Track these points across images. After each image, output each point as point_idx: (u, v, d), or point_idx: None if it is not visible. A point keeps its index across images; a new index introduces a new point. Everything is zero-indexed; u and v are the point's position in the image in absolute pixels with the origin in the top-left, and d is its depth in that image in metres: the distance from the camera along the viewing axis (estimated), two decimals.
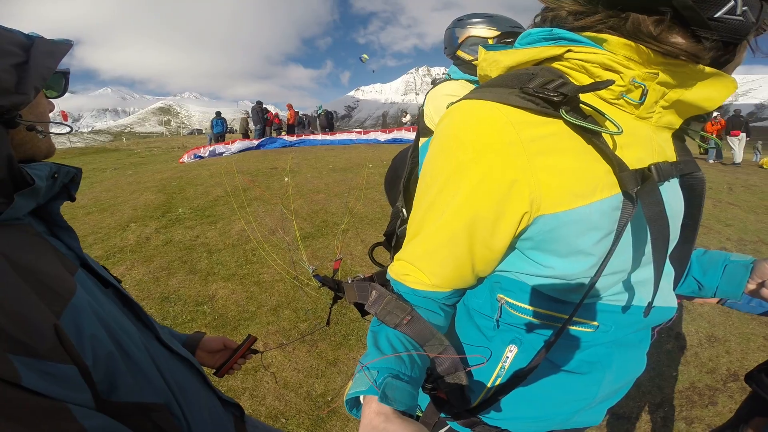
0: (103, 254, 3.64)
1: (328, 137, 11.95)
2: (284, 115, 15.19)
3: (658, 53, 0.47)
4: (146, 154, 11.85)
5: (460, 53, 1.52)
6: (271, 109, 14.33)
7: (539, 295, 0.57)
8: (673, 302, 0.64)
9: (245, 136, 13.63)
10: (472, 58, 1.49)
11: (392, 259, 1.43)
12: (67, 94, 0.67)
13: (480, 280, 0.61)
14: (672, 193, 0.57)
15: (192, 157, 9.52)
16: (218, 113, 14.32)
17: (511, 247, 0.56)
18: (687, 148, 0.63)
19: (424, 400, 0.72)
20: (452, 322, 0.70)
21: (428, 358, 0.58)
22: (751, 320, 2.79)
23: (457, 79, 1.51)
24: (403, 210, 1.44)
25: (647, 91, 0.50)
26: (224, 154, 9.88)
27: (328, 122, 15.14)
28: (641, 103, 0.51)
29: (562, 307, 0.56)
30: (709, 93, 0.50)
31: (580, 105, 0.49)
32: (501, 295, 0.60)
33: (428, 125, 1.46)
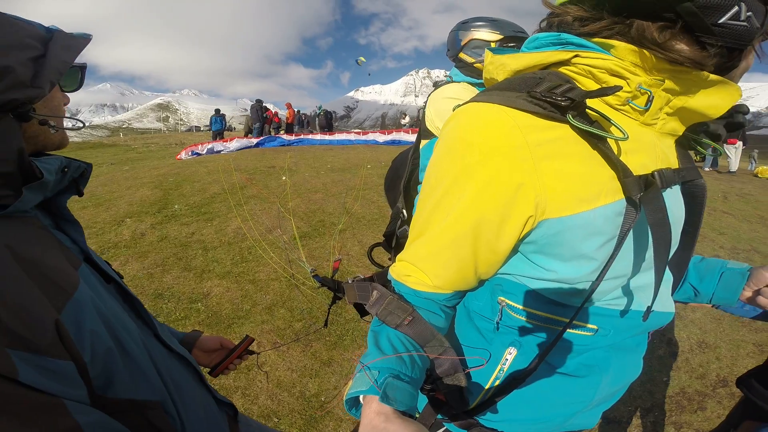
0: (97, 249, 3.61)
1: (327, 137, 11.94)
2: (283, 114, 15.17)
3: (663, 60, 0.47)
4: (143, 150, 11.78)
5: (462, 56, 1.53)
6: (271, 107, 14.30)
7: (540, 299, 0.57)
8: (671, 307, 0.64)
9: (249, 134, 13.59)
10: (474, 60, 1.50)
11: (393, 259, 1.43)
12: None
13: (481, 283, 0.62)
14: (674, 200, 0.57)
15: (189, 153, 9.47)
16: (217, 110, 14.28)
17: (514, 250, 0.57)
18: (689, 155, 0.63)
19: (421, 401, 0.72)
20: (452, 323, 0.70)
21: (428, 359, 0.58)
22: (741, 327, 2.82)
23: (459, 82, 1.52)
24: (404, 211, 1.45)
25: (653, 97, 0.50)
26: (222, 152, 9.85)
27: (327, 122, 15.13)
28: (646, 110, 0.51)
29: (562, 311, 0.57)
30: (713, 100, 0.50)
31: (586, 110, 0.49)
32: (502, 298, 0.60)
33: (429, 128, 1.46)
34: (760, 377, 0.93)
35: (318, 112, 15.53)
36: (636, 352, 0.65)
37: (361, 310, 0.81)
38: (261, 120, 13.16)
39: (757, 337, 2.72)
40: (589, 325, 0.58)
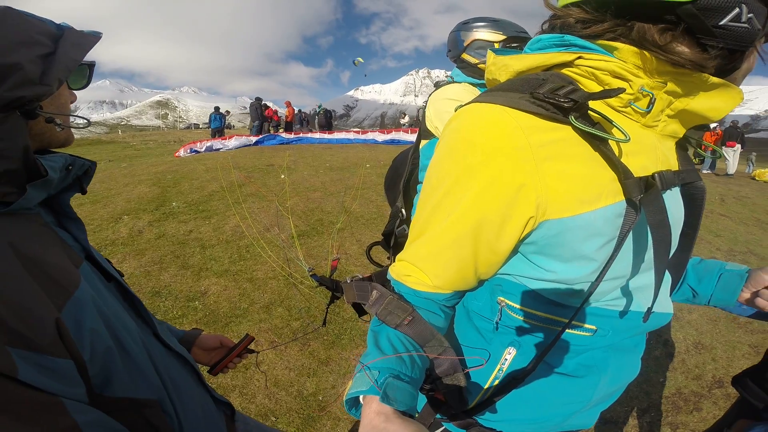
0: (95, 246, 3.57)
1: (326, 136, 11.93)
2: (283, 112, 15.15)
3: (665, 62, 0.47)
4: (142, 147, 11.73)
5: (465, 56, 1.53)
6: (271, 105, 14.30)
7: (539, 299, 0.57)
8: (670, 308, 0.65)
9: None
10: (477, 61, 1.49)
11: (391, 259, 1.43)
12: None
13: (481, 283, 0.62)
14: (673, 202, 0.57)
15: (188, 151, 9.44)
16: (217, 108, 14.24)
17: (515, 251, 0.57)
18: (689, 157, 0.64)
19: (420, 401, 0.72)
20: (451, 323, 0.70)
21: (428, 358, 0.58)
22: (737, 328, 2.83)
23: (460, 83, 1.52)
24: (403, 210, 1.45)
25: (655, 99, 0.50)
26: (221, 150, 9.82)
27: (327, 121, 15.12)
28: (648, 112, 0.52)
29: (561, 311, 0.57)
30: (715, 103, 0.50)
31: (588, 112, 0.49)
32: (501, 298, 0.60)
33: (429, 128, 1.46)
34: (754, 377, 0.94)
35: (318, 110, 15.51)
36: (634, 352, 0.66)
37: (359, 310, 0.81)
38: (260, 118, 13.14)
39: (752, 338, 2.73)
40: (588, 326, 0.58)
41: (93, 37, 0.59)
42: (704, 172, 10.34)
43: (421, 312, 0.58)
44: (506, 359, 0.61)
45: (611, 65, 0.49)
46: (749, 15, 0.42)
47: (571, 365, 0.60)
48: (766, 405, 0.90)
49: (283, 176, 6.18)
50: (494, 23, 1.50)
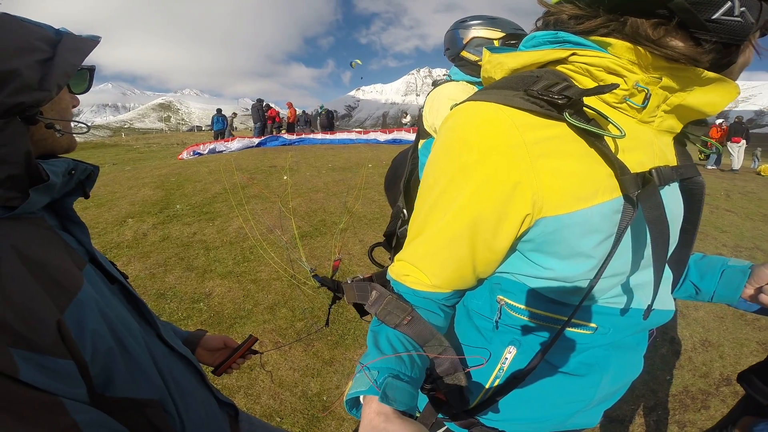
0: (100, 249, 3.59)
1: (328, 136, 11.95)
2: (284, 113, 15.21)
3: (659, 57, 0.47)
4: (145, 150, 11.81)
5: (465, 54, 1.52)
6: (273, 106, 14.35)
7: (539, 297, 0.57)
8: (671, 305, 0.64)
9: (230, 134, 13.69)
10: (477, 58, 1.49)
11: (392, 259, 1.43)
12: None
13: (480, 282, 0.62)
14: (672, 197, 0.57)
15: (191, 153, 9.49)
16: (219, 110, 14.33)
17: (512, 249, 0.57)
18: (687, 152, 0.63)
19: (422, 400, 0.72)
20: (451, 323, 0.70)
21: (428, 358, 0.58)
22: (745, 325, 2.81)
23: (458, 81, 1.52)
24: (404, 210, 1.44)
25: (650, 95, 0.50)
26: (224, 152, 9.86)
27: (329, 121, 15.15)
28: (644, 107, 0.51)
29: (561, 309, 0.57)
30: (711, 98, 0.50)
31: (583, 108, 0.49)
32: (501, 297, 0.60)
33: (426, 128, 1.46)
34: (760, 373, 0.93)
35: (319, 111, 15.56)
36: (636, 350, 0.65)
37: (361, 310, 0.81)
38: (262, 119, 13.18)
39: (760, 335, 2.71)
40: (589, 324, 0.58)
41: (91, 42, 0.59)
42: (709, 167, 10.25)
43: (421, 312, 0.58)
44: (507, 358, 0.61)
45: (605, 61, 0.49)
46: (742, 9, 0.42)
47: (572, 364, 0.60)
48: None
49: (285, 177, 6.20)
50: (492, 21, 1.50)
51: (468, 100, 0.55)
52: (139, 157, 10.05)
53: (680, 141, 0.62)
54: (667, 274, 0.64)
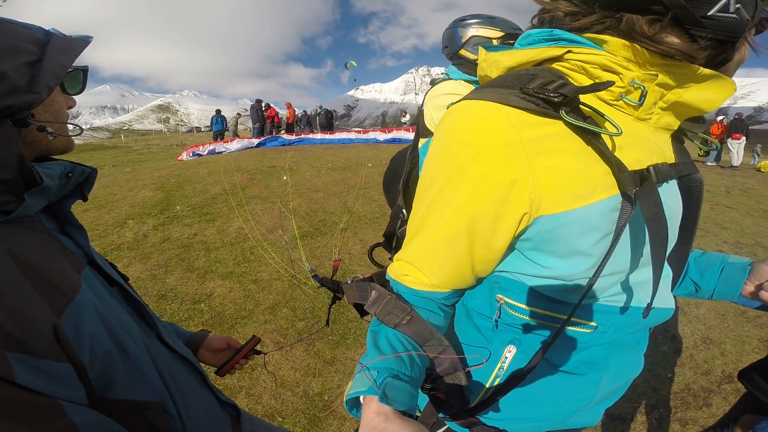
0: (100, 251, 3.60)
1: (327, 136, 11.95)
2: (283, 113, 15.21)
3: (655, 54, 0.47)
4: (144, 152, 11.82)
5: (463, 52, 1.52)
6: (272, 106, 14.35)
7: (538, 296, 0.57)
8: (671, 303, 0.64)
9: (235, 135, 13.73)
10: (476, 57, 1.49)
11: (392, 259, 1.42)
12: None
13: (479, 281, 0.62)
14: (670, 195, 0.57)
15: (191, 154, 9.50)
16: (218, 111, 14.33)
17: (511, 248, 0.56)
18: (685, 149, 0.63)
19: (422, 400, 0.72)
20: (451, 322, 0.70)
21: (428, 358, 0.58)
22: (746, 322, 2.80)
23: (456, 80, 1.51)
24: (404, 210, 1.44)
25: (646, 92, 0.50)
26: (223, 153, 9.86)
27: (328, 121, 15.15)
28: (640, 105, 0.51)
29: (560, 308, 0.57)
30: (707, 94, 0.50)
31: (580, 106, 0.49)
32: (500, 296, 0.60)
33: (428, 125, 1.45)
34: (762, 371, 0.92)
35: (318, 111, 15.57)
36: (636, 348, 0.65)
37: (361, 310, 0.81)
38: (261, 120, 13.17)
39: (762, 332, 2.70)
40: (589, 322, 0.58)
41: (82, 42, 0.58)
42: (709, 164, 10.25)
43: (420, 311, 0.58)
44: (507, 357, 0.61)
45: (601, 58, 0.49)
46: (737, 5, 0.42)
47: (572, 362, 0.60)
48: None
49: (285, 177, 6.20)
50: (491, 20, 1.50)
51: (464, 98, 0.55)
52: (139, 158, 10.05)
53: (678, 138, 0.62)
54: (667, 272, 0.64)
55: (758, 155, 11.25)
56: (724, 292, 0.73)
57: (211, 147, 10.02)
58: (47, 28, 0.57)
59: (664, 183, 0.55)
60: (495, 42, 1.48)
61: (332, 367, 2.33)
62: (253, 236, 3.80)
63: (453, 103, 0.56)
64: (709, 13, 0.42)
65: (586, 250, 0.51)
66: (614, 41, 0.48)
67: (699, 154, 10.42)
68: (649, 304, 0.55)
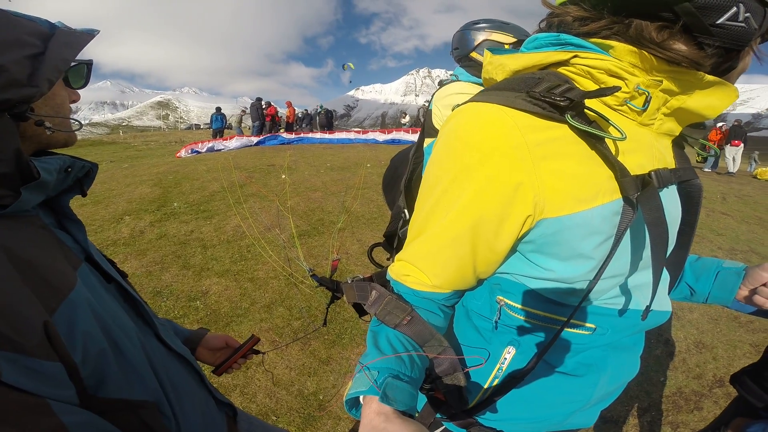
0: (96, 247, 3.59)
1: (327, 136, 11.94)
2: (283, 112, 15.18)
3: (662, 60, 0.48)
4: (143, 148, 11.76)
5: (474, 55, 1.52)
6: (272, 104, 14.32)
7: (538, 298, 0.58)
8: (668, 306, 0.65)
9: (240, 131, 13.72)
10: None
11: (392, 260, 1.42)
12: None
13: (480, 282, 0.62)
14: (670, 200, 0.58)
15: (189, 151, 9.46)
16: (218, 108, 14.29)
17: (513, 250, 0.57)
18: (686, 155, 0.64)
19: (420, 400, 0.72)
20: (450, 323, 0.70)
21: (427, 358, 0.58)
22: (738, 327, 2.83)
23: (464, 82, 1.52)
24: (405, 210, 1.44)
25: (651, 98, 0.50)
26: (222, 150, 9.84)
27: (328, 121, 15.14)
28: (644, 110, 0.52)
29: (560, 310, 0.57)
30: (710, 101, 0.50)
31: (585, 110, 0.49)
32: (500, 297, 0.61)
33: (436, 125, 1.45)
34: (753, 375, 0.94)
35: (318, 110, 15.56)
36: (633, 351, 0.66)
37: (360, 310, 0.81)
38: (260, 118, 13.14)
39: (753, 337, 2.73)
40: (587, 324, 0.58)
41: (86, 35, 0.58)
42: (706, 170, 10.31)
43: (420, 312, 0.59)
44: (506, 358, 0.62)
45: (607, 64, 0.49)
46: (746, 14, 0.42)
47: (570, 364, 0.60)
48: (765, 404, 0.90)
49: (284, 176, 6.19)
50: (504, 26, 1.51)
51: (470, 100, 0.55)
52: (137, 154, 10.00)
53: (678, 144, 0.62)
54: (665, 275, 0.64)
55: (756, 162, 11.33)
56: (719, 296, 0.74)
57: (210, 144, 9.99)
58: (54, 21, 0.56)
59: (665, 188, 0.55)
60: (507, 48, 1.49)
61: (327, 367, 2.33)
62: (251, 234, 3.80)
63: (458, 105, 0.56)
64: (718, 22, 0.43)
65: (588, 253, 0.52)
66: (621, 47, 0.49)
67: (697, 161, 10.49)
68: (648, 307, 0.56)
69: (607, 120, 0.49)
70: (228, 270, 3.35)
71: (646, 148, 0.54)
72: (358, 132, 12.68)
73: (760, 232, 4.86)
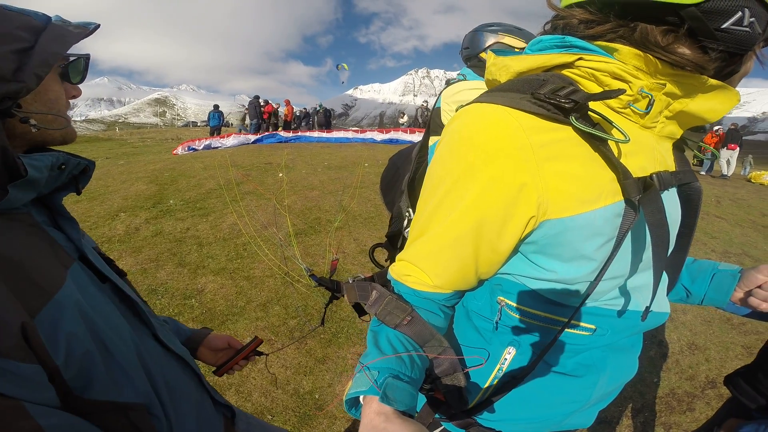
0: None
1: (325, 135, 11.92)
2: (281, 110, 15.12)
3: (666, 64, 0.48)
4: (139, 145, 11.68)
5: (484, 56, 1.54)
6: (270, 102, 14.25)
7: (539, 298, 0.58)
8: (667, 308, 0.66)
9: (244, 128, 13.66)
10: None
11: (388, 259, 1.42)
12: None
13: (481, 283, 0.62)
14: (671, 202, 0.58)
15: (186, 149, 9.42)
16: (216, 106, 14.23)
17: (515, 251, 0.57)
18: (686, 158, 0.64)
19: (419, 400, 0.72)
20: (450, 323, 0.70)
21: (428, 358, 0.58)
22: (731, 329, 2.86)
23: (471, 81, 1.53)
24: (409, 210, 1.44)
25: (654, 101, 0.51)
26: (219, 148, 9.79)
27: (326, 120, 15.11)
28: (647, 113, 0.52)
29: (560, 311, 0.57)
30: (712, 105, 0.51)
31: (588, 113, 0.49)
32: (501, 298, 0.61)
33: (444, 122, 1.46)
34: (747, 376, 0.95)
35: (317, 109, 15.53)
36: (632, 352, 0.66)
37: (359, 310, 0.81)
38: (258, 116, 13.10)
39: (746, 339, 2.76)
40: (587, 325, 0.58)
41: (81, 29, 0.56)
42: (701, 173, 10.39)
43: (421, 312, 0.58)
44: (506, 359, 0.62)
45: (611, 66, 0.49)
46: (751, 19, 0.42)
47: (569, 365, 0.61)
48: (758, 405, 0.91)
49: (281, 174, 6.17)
50: (518, 31, 1.53)
51: (474, 101, 0.55)
52: (133, 151, 9.94)
53: (678, 147, 0.63)
54: (663, 277, 0.65)
55: (750, 165, 11.43)
56: (715, 298, 0.75)
57: (207, 142, 9.94)
58: (52, 16, 0.55)
59: (666, 191, 0.56)
60: (517, 51, 1.50)
61: (324, 366, 2.33)
62: (247, 232, 3.78)
63: (462, 105, 0.57)
64: (723, 26, 0.43)
65: (590, 255, 0.52)
66: (626, 50, 0.49)
67: (693, 164, 10.57)
68: (648, 308, 0.56)
69: (610, 122, 0.49)
70: (224, 268, 3.34)
71: (648, 151, 0.54)
72: (356, 131, 12.68)
73: (753, 235, 4.91)
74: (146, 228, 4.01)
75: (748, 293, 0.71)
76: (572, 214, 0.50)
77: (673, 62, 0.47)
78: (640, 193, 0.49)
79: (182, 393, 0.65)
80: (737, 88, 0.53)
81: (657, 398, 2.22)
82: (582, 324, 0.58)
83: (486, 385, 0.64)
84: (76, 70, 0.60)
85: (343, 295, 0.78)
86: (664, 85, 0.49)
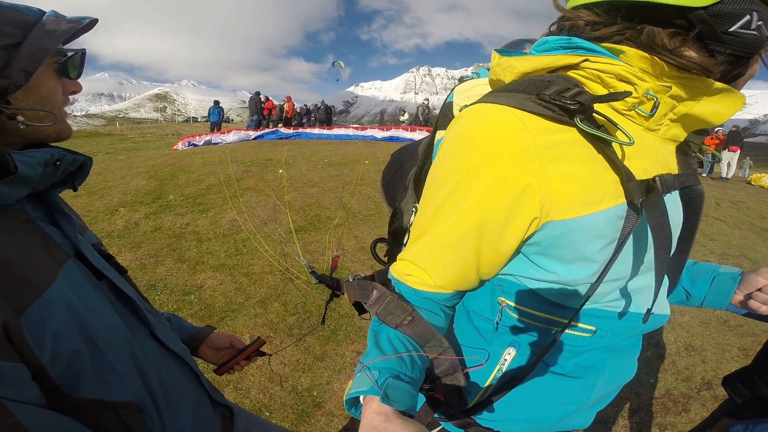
0: None
1: (325, 131, 11.90)
2: (282, 107, 15.08)
3: (672, 67, 0.48)
4: (139, 140, 11.66)
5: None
6: (271, 99, 14.20)
7: (540, 300, 0.58)
8: (667, 310, 0.66)
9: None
10: None
11: (387, 256, 1.41)
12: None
13: (482, 283, 0.62)
14: (673, 205, 0.58)
15: (186, 144, 9.40)
16: (216, 102, 14.20)
17: (517, 251, 0.57)
18: (688, 161, 0.64)
19: (419, 400, 0.72)
20: (451, 323, 0.70)
21: (428, 358, 0.58)
22: (727, 331, 2.87)
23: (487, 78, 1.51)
24: (416, 205, 1.43)
25: (659, 103, 0.50)
26: (219, 144, 9.78)
27: (327, 116, 15.07)
28: (651, 115, 0.52)
29: (561, 312, 0.57)
30: (717, 108, 0.51)
31: (593, 114, 0.49)
32: (502, 298, 0.61)
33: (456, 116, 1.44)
34: (744, 378, 0.95)
35: (319, 106, 15.50)
36: (631, 353, 0.66)
37: (359, 308, 0.81)
38: (258, 112, 13.07)
39: (742, 341, 2.77)
40: (588, 327, 0.59)
41: (74, 23, 0.54)
42: (703, 175, 10.39)
43: (421, 312, 0.58)
44: (506, 359, 0.62)
45: (617, 68, 0.49)
46: (759, 23, 0.42)
47: (569, 366, 0.61)
48: (744, 400, 0.92)
49: (281, 171, 6.16)
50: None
51: (478, 101, 0.55)
52: (134, 146, 9.91)
53: (682, 149, 0.63)
54: (664, 279, 0.65)
55: (750, 167, 11.43)
56: (715, 300, 0.75)
57: (208, 138, 9.93)
58: (47, 11, 0.54)
59: (668, 193, 0.55)
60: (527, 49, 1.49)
61: (322, 363, 2.34)
62: (247, 229, 3.78)
63: (466, 106, 0.56)
64: (731, 30, 0.43)
65: (592, 256, 0.52)
66: (632, 52, 0.49)
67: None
68: (649, 310, 0.56)
69: (614, 124, 0.49)
70: (223, 264, 3.34)
71: (651, 153, 0.54)
72: (356, 128, 12.64)
73: (751, 237, 4.92)
74: (146, 223, 4.01)
75: (748, 296, 0.71)
76: (575, 215, 0.49)
77: (679, 65, 0.47)
78: (642, 196, 0.49)
79: (179, 392, 0.65)
80: (741, 91, 0.53)
81: (653, 399, 2.24)
82: (582, 325, 0.58)
83: (485, 385, 0.64)
84: (73, 65, 0.59)
85: (344, 293, 0.78)
86: (670, 87, 0.49)
